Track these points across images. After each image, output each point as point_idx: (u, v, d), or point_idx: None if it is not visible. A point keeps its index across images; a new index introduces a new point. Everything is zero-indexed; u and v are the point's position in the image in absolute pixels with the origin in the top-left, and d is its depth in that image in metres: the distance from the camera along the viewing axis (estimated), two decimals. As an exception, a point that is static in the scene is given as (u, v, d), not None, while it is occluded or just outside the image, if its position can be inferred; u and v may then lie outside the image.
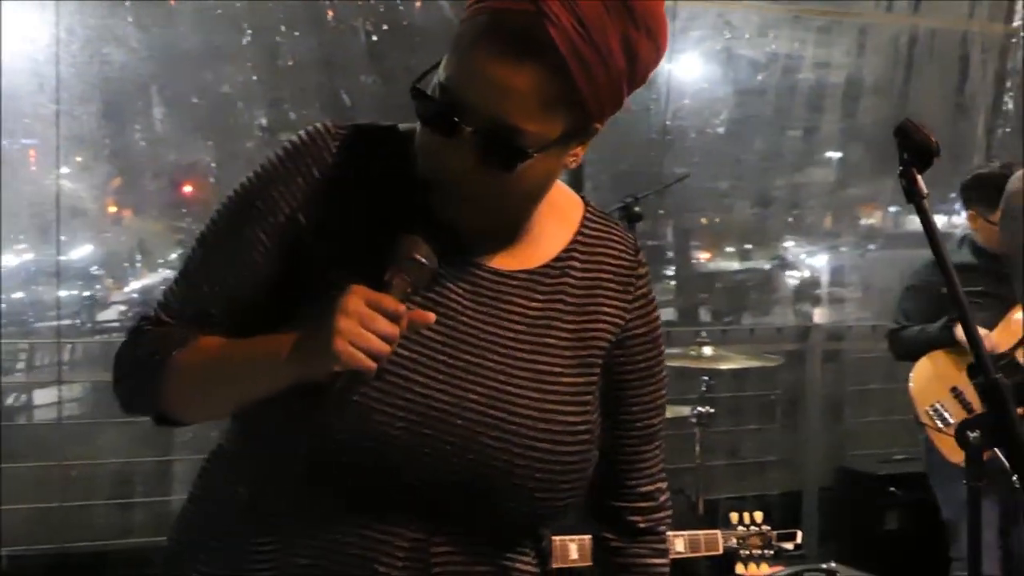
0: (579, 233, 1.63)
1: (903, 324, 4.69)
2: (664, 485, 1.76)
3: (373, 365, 1.36)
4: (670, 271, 6.47)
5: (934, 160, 1.75)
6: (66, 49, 4.84)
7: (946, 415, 4.48)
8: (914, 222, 6.97)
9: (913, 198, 1.75)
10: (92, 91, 4.95)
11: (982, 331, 4.30)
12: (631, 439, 1.69)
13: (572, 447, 1.54)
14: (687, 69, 6.03)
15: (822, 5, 6.30)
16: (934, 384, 4.55)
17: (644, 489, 1.72)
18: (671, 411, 4.27)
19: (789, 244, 6.65)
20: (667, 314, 6.50)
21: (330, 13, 5.27)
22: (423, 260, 1.43)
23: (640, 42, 1.43)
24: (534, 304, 1.57)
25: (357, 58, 5.31)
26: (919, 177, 1.75)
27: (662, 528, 1.75)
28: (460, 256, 1.54)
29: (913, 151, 1.75)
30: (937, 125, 6.35)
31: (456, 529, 1.52)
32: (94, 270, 5.27)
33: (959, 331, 4.41)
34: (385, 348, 1.36)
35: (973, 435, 1.69)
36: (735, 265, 6.64)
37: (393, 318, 1.37)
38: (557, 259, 1.60)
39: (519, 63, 1.38)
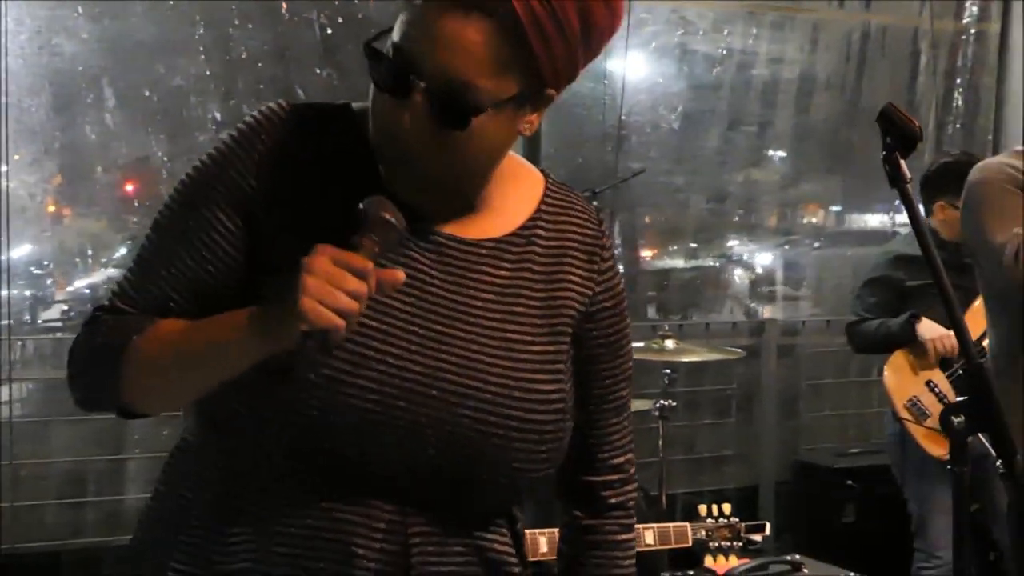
0: (543, 203, 1.63)
1: (863, 317, 4.70)
2: (632, 457, 1.77)
3: (342, 323, 1.32)
4: (619, 267, 6.45)
5: (918, 144, 1.75)
6: (14, 40, 4.74)
7: (925, 409, 4.51)
8: (857, 221, 7.04)
9: (897, 183, 1.74)
10: (41, 83, 4.86)
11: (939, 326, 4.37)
12: (603, 411, 1.70)
13: (547, 415, 1.54)
14: (642, 64, 6.03)
15: (775, 2, 6.32)
16: (909, 378, 4.57)
17: (616, 461, 1.73)
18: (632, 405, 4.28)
19: (735, 242, 6.68)
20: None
21: (284, 6, 5.21)
22: (391, 219, 1.39)
23: (596, 8, 1.44)
24: (502, 273, 1.57)
25: (311, 51, 5.25)
26: (903, 162, 1.75)
27: (631, 503, 1.76)
28: (422, 225, 1.52)
29: (897, 136, 1.75)
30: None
31: (432, 506, 1.51)
32: (41, 267, 5.18)
33: (921, 327, 4.45)
34: (354, 306, 1.33)
35: (958, 420, 1.68)
36: (681, 263, 6.66)
37: (361, 276, 1.34)
38: (523, 228, 1.60)
39: (469, 17, 1.39)
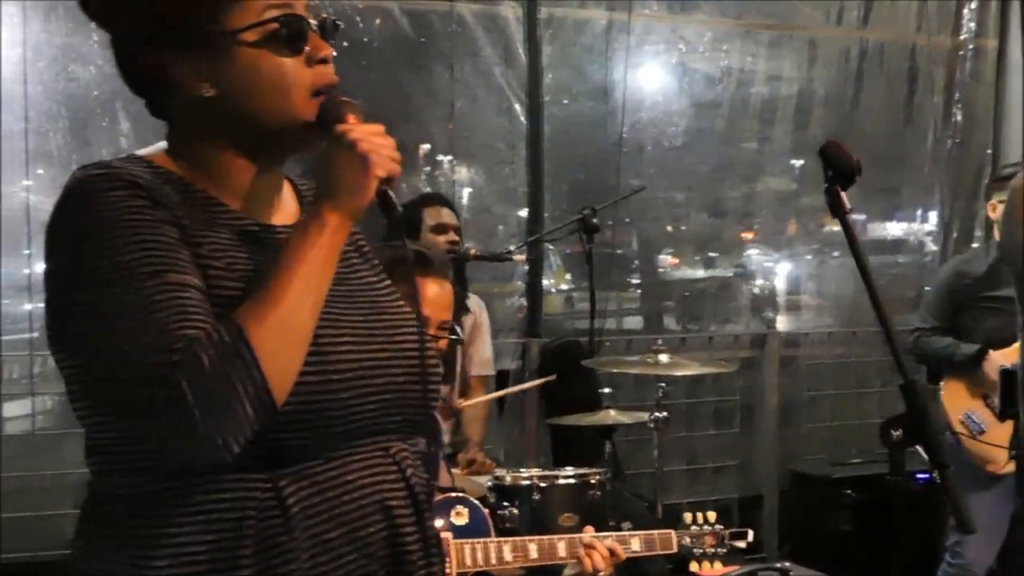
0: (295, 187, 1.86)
1: (933, 326, 4.81)
2: None
3: (398, 169, 1.64)
4: (636, 279, 6.62)
5: (856, 178, 1.89)
6: (33, 67, 4.93)
7: (980, 423, 4.62)
8: (874, 230, 7.13)
9: (837, 212, 1.89)
10: (59, 108, 5.02)
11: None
12: None
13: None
14: (642, 82, 6.16)
15: (772, 20, 6.45)
16: (965, 393, 4.69)
17: None
18: (630, 417, 4.41)
19: (751, 252, 6.79)
20: (634, 322, 6.68)
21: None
22: (349, 99, 1.68)
23: None
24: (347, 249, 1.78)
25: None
26: (843, 194, 1.89)
27: None
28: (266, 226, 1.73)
29: (837, 169, 1.90)
30: (886, 136, 6.60)
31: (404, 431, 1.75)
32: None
33: (988, 365, 4.57)
34: (397, 154, 1.65)
35: (896, 433, 1.82)
36: (699, 273, 6.79)
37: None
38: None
39: None
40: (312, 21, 1.69)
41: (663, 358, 4.17)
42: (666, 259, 6.72)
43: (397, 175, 1.64)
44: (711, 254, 6.78)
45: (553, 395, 5.69)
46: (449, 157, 5.91)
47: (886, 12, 6.60)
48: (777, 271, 6.87)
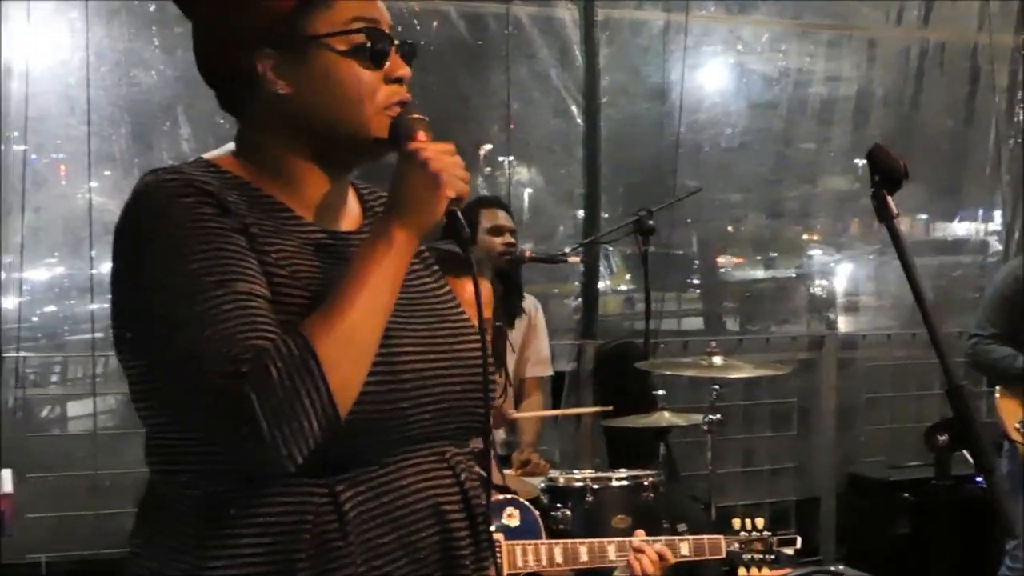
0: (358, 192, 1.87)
1: (991, 333, 4.76)
2: None
3: (468, 190, 1.66)
4: (696, 280, 6.62)
5: (902, 183, 1.88)
6: (96, 72, 5.00)
7: None
8: (937, 230, 7.08)
9: (884, 217, 1.88)
10: (121, 112, 5.10)
11: None
12: None
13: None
14: (700, 83, 6.14)
15: (831, 20, 6.41)
16: (1021, 399, 4.65)
17: None
18: (684, 419, 4.41)
19: (812, 253, 6.75)
20: (694, 323, 6.69)
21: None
22: (421, 116, 1.70)
23: None
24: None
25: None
26: (889, 198, 1.89)
27: None
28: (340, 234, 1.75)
29: (883, 174, 1.89)
30: (947, 136, 6.54)
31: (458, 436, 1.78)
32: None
33: None
34: (466, 175, 1.66)
35: (941, 438, 1.81)
36: (759, 273, 6.77)
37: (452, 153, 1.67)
38: (366, 214, 1.84)
39: None
40: (396, 41, 1.72)
41: (717, 360, 4.15)
42: (726, 260, 6.71)
43: (466, 195, 1.66)
44: (771, 254, 6.76)
45: (608, 397, 5.70)
46: (510, 158, 5.94)
47: (947, 11, 6.54)
48: (838, 272, 6.84)
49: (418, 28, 5.57)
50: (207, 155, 1.73)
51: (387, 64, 1.70)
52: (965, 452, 1.89)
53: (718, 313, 6.69)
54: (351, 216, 1.80)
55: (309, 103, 1.67)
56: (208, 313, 1.52)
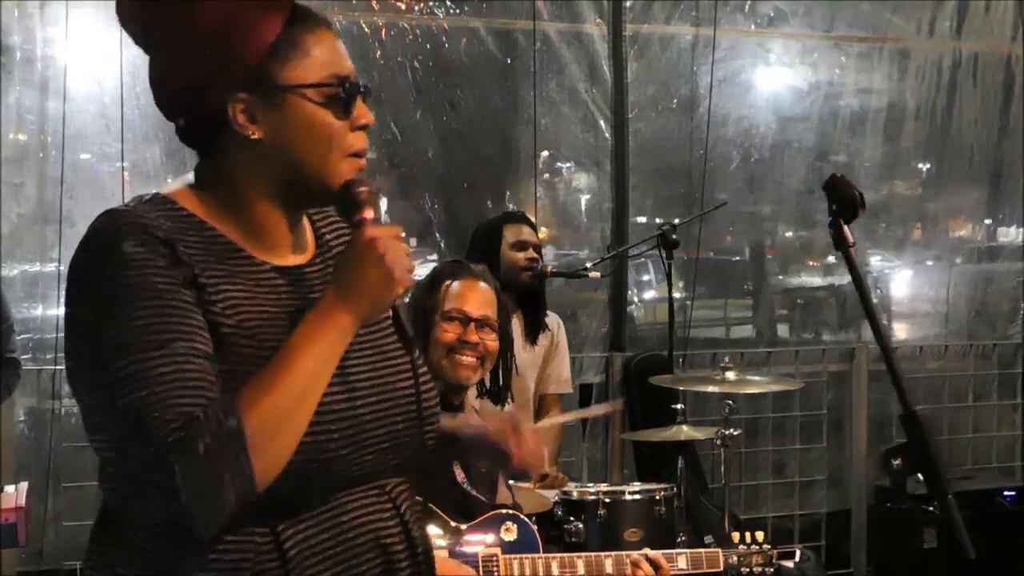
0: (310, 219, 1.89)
1: None
2: None
3: (414, 282, 1.73)
4: (748, 287, 6.64)
5: (859, 212, 1.92)
6: (130, 91, 5.09)
7: None
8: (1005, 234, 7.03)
9: (841, 247, 1.92)
10: (155, 131, 5.21)
11: None
12: None
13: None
14: (728, 97, 6.15)
15: (862, 32, 6.40)
16: None
17: None
18: (703, 432, 4.44)
19: (874, 259, 6.74)
20: (745, 331, 6.71)
21: (378, 51, 5.52)
22: (370, 187, 1.74)
23: None
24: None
25: (404, 93, 5.54)
26: (846, 227, 1.92)
27: None
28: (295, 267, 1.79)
29: (841, 203, 1.92)
30: (981, 148, 6.50)
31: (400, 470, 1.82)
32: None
33: None
34: (414, 265, 1.72)
35: (896, 462, 1.84)
36: (806, 280, 6.77)
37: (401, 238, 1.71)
38: (318, 247, 1.87)
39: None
40: (361, 88, 1.76)
41: (730, 375, 4.19)
42: (775, 268, 6.71)
43: (409, 287, 1.71)
44: (808, 263, 6.77)
45: (635, 409, 5.75)
46: (568, 164, 6.04)
47: (980, 22, 6.50)
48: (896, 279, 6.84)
49: (447, 45, 5.65)
50: (166, 190, 1.76)
51: (354, 112, 1.75)
52: (919, 476, 1.92)
53: (770, 321, 6.72)
54: (302, 244, 1.83)
55: (279, 148, 1.71)
56: (146, 375, 1.56)
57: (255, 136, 1.70)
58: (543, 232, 6.53)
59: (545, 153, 6.03)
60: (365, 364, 1.78)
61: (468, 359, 3.18)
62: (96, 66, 5.15)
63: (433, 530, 3.00)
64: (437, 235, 5.71)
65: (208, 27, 1.68)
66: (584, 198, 6.15)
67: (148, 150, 5.24)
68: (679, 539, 4.17)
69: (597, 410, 5.34)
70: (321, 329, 1.64)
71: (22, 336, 4.86)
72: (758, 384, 4.29)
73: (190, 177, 1.79)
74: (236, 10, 1.69)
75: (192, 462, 1.52)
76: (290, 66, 1.71)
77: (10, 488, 2.95)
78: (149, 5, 1.74)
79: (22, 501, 2.84)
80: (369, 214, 1.71)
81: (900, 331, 6.94)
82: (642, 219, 6.06)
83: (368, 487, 1.76)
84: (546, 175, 6.18)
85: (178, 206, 1.72)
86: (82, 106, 5.13)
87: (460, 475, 3.17)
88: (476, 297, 3.22)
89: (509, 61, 5.85)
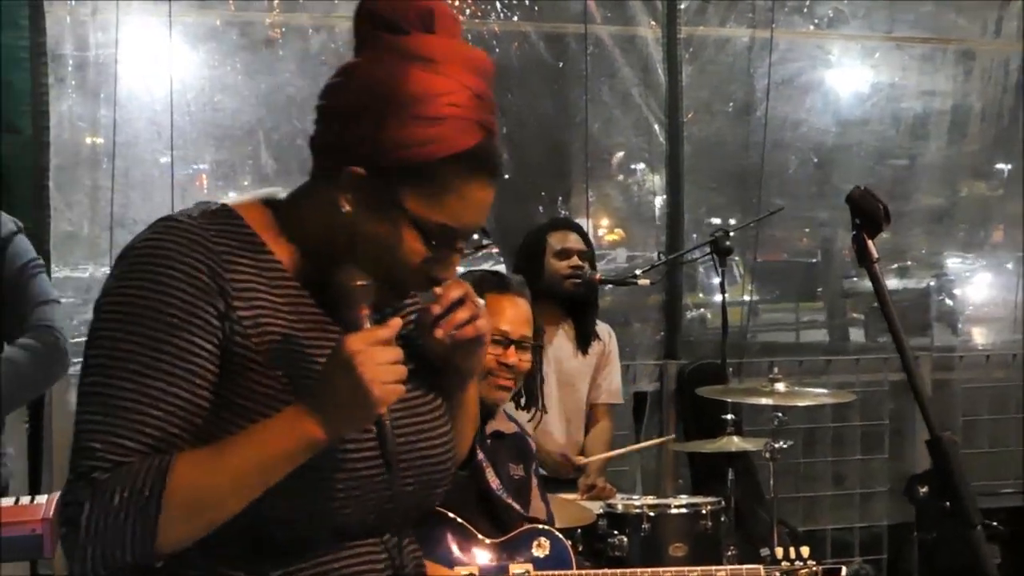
0: None
1: None
2: None
3: (403, 389, 1.55)
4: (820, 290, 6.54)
5: (883, 226, 1.83)
6: (181, 98, 5.11)
7: None
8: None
9: (864, 262, 1.84)
10: (206, 138, 5.23)
11: None
12: None
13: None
14: (785, 100, 6.04)
15: (926, 33, 6.25)
16: None
17: None
18: (753, 443, 4.34)
19: (953, 261, 6.61)
20: (818, 335, 6.57)
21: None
22: (365, 283, 1.60)
23: None
24: None
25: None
26: (870, 242, 1.84)
27: None
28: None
29: (864, 217, 1.84)
30: (1051, 149, 6.33)
31: (404, 527, 1.76)
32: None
33: None
34: (404, 371, 1.55)
35: (922, 490, 1.76)
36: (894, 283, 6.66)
37: (390, 343, 1.55)
38: None
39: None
40: (461, 247, 1.68)
41: (779, 386, 4.09)
42: (851, 270, 6.60)
43: (398, 396, 1.55)
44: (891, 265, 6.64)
45: (690, 418, 5.66)
46: (641, 166, 6.01)
47: (1048, 22, 6.33)
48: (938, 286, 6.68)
49: (498, 50, 5.60)
50: (234, 202, 1.70)
51: (440, 261, 1.67)
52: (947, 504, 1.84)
53: (843, 325, 6.58)
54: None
55: (352, 239, 1.64)
56: (107, 401, 1.53)
57: (344, 209, 1.62)
58: (616, 234, 6.48)
59: (620, 154, 5.97)
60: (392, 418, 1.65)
61: (505, 381, 3.14)
62: (146, 73, 5.16)
63: (463, 546, 2.96)
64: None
65: (407, 97, 1.60)
66: (638, 203, 6.08)
67: (198, 156, 5.25)
68: (728, 552, 4.09)
69: (650, 443, 5.28)
70: (281, 436, 1.53)
71: (74, 340, 4.87)
72: (808, 396, 4.18)
73: (276, 192, 1.74)
74: (447, 101, 1.60)
75: (103, 508, 1.49)
76: (417, 190, 1.61)
77: (41, 498, 2.91)
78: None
79: (50, 512, 2.81)
80: (364, 313, 1.59)
81: (977, 335, 6.78)
82: (709, 220, 5.97)
83: (366, 541, 1.69)
84: (619, 176, 6.11)
85: (242, 223, 1.66)
86: (133, 113, 5.13)
87: (495, 482, 3.12)
88: (514, 316, 3.15)
89: (560, 65, 5.79)
